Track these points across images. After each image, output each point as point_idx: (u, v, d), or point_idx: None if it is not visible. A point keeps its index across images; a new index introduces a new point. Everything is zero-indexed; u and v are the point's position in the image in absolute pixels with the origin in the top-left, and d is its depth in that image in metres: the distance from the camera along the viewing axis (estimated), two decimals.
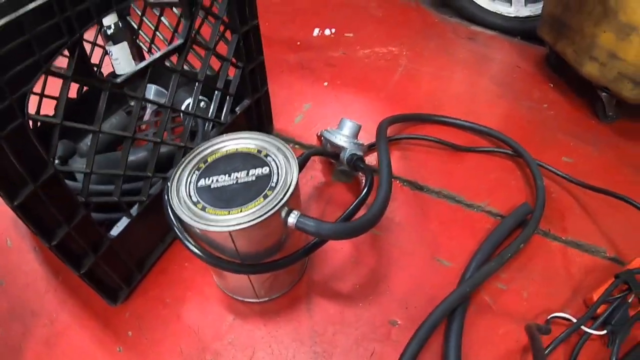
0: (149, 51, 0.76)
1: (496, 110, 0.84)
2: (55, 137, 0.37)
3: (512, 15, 1.14)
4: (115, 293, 0.49)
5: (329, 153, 0.65)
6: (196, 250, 0.39)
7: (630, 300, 0.48)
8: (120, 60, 0.73)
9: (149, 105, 0.75)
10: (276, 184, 0.40)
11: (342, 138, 0.63)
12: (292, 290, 0.52)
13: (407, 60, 1.00)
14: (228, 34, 0.56)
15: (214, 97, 0.56)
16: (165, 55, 0.44)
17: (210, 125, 0.58)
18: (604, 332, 0.47)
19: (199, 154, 0.43)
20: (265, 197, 0.38)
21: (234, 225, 0.36)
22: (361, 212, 0.48)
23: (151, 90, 0.76)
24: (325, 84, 0.90)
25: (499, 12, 1.15)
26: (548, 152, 0.72)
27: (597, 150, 0.75)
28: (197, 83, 0.52)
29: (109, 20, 0.69)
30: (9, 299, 0.53)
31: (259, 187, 0.39)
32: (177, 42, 0.46)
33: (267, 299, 0.50)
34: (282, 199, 0.38)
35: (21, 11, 0.30)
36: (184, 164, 0.42)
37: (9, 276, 0.56)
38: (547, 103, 0.86)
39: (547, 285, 0.54)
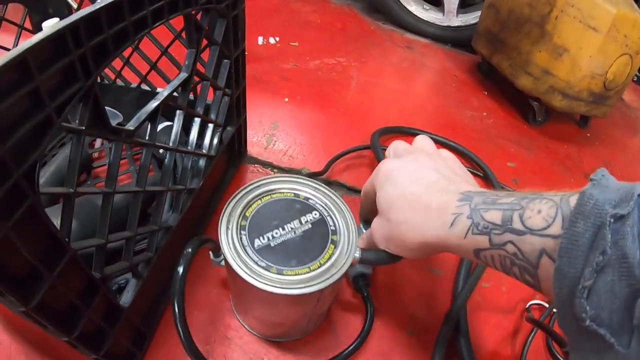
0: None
1: (447, 121, 0.92)
2: (68, 211, 0.30)
3: (445, 25, 1.24)
4: None
5: None
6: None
7: None
8: None
9: None
10: (335, 226, 0.40)
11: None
12: None
13: (357, 71, 1.04)
14: None
15: (206, 130, 0.52)
16: (174, 91, 0.40)
17: (190, 160, 0.52)
18: None
19: (234, 209, 0.40)
20: (334, 242, 0.38)
21: (326, 280, 0.35)
22: None
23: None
24: (286, 99, 0.89)
25: (432, 22, 1.24)
26: (496, 159, 0.82)
27: (532, 153, 0.87)
28: (197, 118, 0.47)
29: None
30: None
31: (321, 235, 0.39)
32: (181, 74, 0.41)
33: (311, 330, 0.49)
34: (351, 242, 0.38)
35: (25, 45, 0.21)
36: (224, 225, 0.39)
37: None
38: (485, 111, 0.97)
39: None
